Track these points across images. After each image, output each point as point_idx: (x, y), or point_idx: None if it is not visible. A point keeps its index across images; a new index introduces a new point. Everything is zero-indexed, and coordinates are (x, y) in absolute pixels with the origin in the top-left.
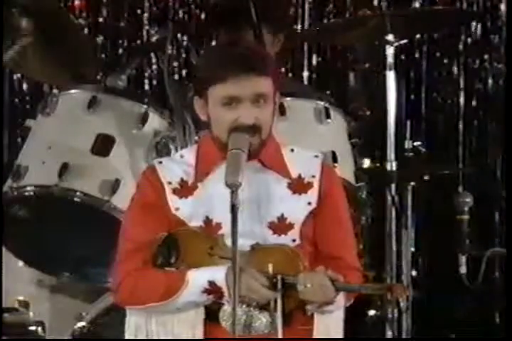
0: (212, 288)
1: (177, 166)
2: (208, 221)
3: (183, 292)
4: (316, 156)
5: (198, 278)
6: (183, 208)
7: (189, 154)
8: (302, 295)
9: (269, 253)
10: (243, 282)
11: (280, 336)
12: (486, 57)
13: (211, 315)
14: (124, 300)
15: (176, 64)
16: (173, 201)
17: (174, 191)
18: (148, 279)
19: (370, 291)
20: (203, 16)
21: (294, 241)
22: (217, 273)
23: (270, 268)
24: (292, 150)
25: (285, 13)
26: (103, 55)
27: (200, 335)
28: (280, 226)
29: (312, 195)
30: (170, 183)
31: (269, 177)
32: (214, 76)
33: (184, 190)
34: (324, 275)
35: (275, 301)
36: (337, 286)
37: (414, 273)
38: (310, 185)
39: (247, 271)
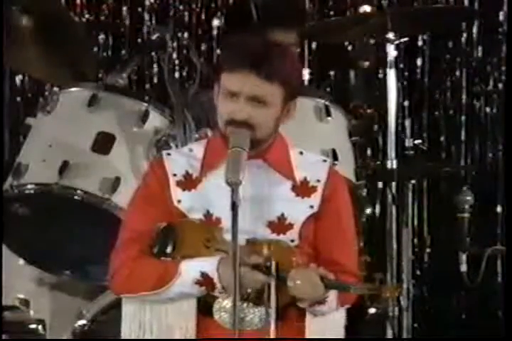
0: (204, 280)
1: (184, 159)
2: (208, 215)
3: (175, 282)
4: (325, 161)
5: (190, 269)
6: (184, 201)
7: (198, 148)
8: (292, 291)
9: (263, 246)
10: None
11: (273, 325)
12: (486, 55)
13: (205, 308)
14: (119, 289)
15: (176, 62)
16: (175, 193)
17: (178, 183)
18: (143, 268)
19: (360, 291)
20: (203, 15)
21: (292, 241)
22: (210, 264)
23: (265, 250)
24: (301, 152)
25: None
26: (104, 53)
27: (192, 327)
28: (279, 225)
29: (315, 199)
30: (175, 175)
31: (273, 177)
32: (227, 63)
33: (188, 182)
34: (314, 272)
35: (268, 294)
36: (326, 284)
37: (415, 271)
38: (314, 189)
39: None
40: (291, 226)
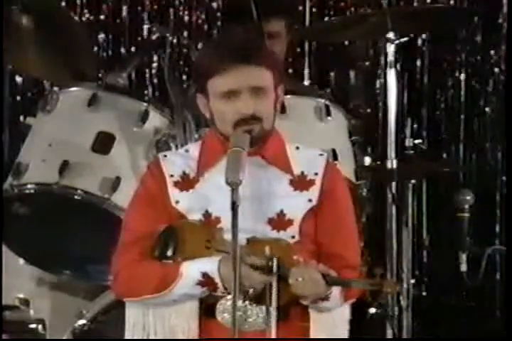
0: (206, 280)
1: (181, 160)
2: (207, 214)
3: (177, 284)
4: (321, 155)
5: (191, 270)
6: (183, 201)
7: (194, 148)
8: (294, 289)
9: (263, 245)
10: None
11: (274, 325)
12: (486, 55)
13: (208, 309)
14: (121, 292)
15: (176, 62)
16: (173, 194)
17: (175, 184)
18: (144, 271)
19: (362, 286)
20: (203, 14)
21: (293, 237)
22: (210, 265)
23: (267, 250)
24: (297, 147)
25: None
26: (104, 53)
27: (195, 328)
28: (279, 222)
29: (313, 192)
30: (172, 176)
31: (271, 173)
32: (211, 68)
33: (185, 183)
34: (315, 269)
35: (270, 293)
36: (328, 280)
37: (415, 271)
38: (312, 182)
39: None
40: (290, 222)
